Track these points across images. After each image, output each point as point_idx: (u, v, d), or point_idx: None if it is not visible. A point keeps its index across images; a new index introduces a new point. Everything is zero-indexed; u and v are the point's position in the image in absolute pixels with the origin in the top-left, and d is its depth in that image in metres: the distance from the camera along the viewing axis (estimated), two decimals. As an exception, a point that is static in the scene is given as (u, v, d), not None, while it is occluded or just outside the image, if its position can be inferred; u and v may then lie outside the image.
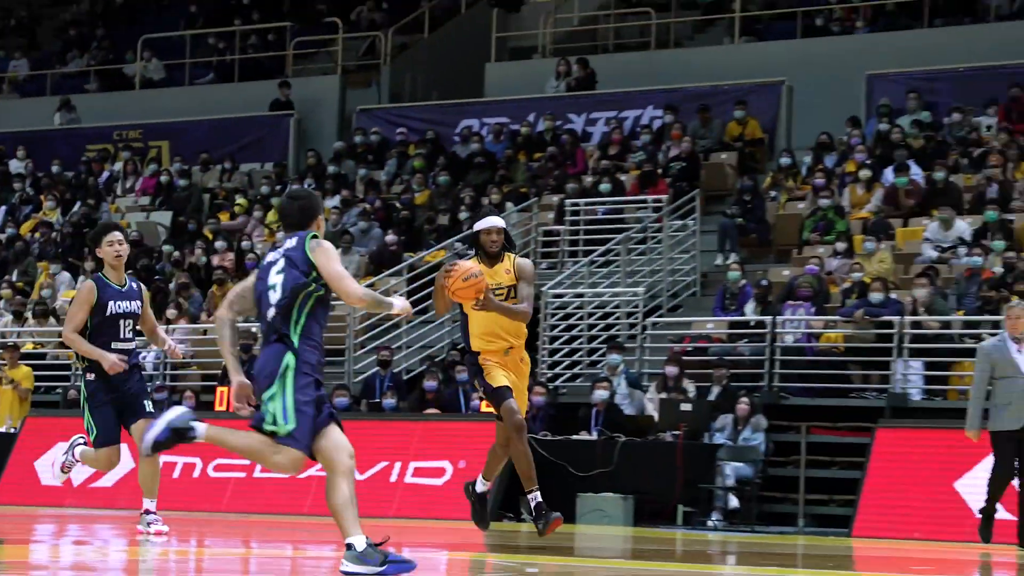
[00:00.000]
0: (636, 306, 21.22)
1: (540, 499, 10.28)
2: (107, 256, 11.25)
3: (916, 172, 22.11)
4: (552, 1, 30.00)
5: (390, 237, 23.85)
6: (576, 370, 20.94)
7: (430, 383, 19.79)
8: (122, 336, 11.23)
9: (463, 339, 10.57)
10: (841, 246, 20.78)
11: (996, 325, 17.09)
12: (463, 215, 23.93)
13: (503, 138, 26.78)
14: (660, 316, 21.41)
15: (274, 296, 7.74)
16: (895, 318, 18.83)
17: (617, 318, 21.37)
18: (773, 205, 23.16)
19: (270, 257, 7.90)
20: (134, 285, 11.40)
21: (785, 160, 23.69)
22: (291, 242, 7.84)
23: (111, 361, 11.05)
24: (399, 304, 7.95)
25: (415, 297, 21.41)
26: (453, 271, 9.77)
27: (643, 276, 22.23)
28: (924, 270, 19.69)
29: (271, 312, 7.74)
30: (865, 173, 22.32)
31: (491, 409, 10.38)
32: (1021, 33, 25.03)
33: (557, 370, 20.93)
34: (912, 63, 24.81)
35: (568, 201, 23.60)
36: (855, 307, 19.22)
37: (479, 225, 10.39)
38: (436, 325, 21.87)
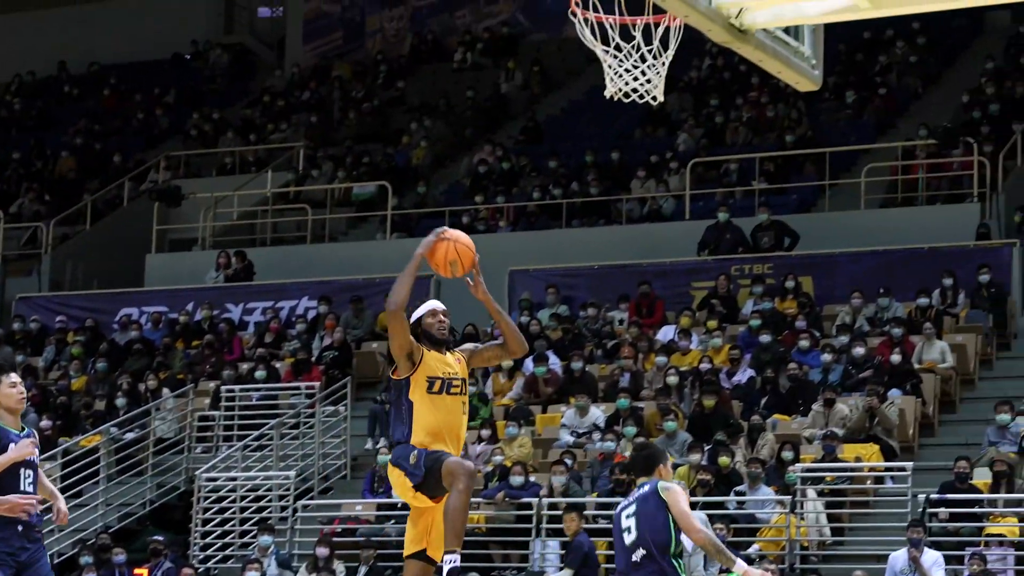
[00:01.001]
0: (288, 489, 21.84)
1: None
2: (8, 399, 9.34)
3: (554, 362, 23.37)
4: (212, 196, 30.79)
5: (45, 423, 24.10)
6: (228, 552, 21.38)
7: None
8: (22, 488, 9.23)
9: (393, 430, 8.86)
10: (485, 432, 21.77)
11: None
12: (120, 400, 24.34)
13: (162, 326, 27.32)
14: (311, 498, 22.05)
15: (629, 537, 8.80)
16: (534, 499, 19.87)
17: (269, 500, 21.93)
18: (421, 392, 24.06)
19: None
20: (32, 431, 9.61)
21: (433, 350, 24.71)
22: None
23: (11, 503, 9.12)
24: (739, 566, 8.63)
25: (69, 481, 21.67)
26: (448, 232, 8.65)
27: (295, 460, 22.88)
28: (561, 455, 20.90)
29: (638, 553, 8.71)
30: (507, 363, 23.53)
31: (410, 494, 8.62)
32: (650, 235, 26.79)
33: (209, 551, 21.37)
34: (551, 260, 26.25)
35: (224, 387, 24.20)
36: (497, 489, 20.21)
37: (423, 308, 8.88)
38: (89, 508, 22.10)
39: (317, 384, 23.80)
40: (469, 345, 9.05)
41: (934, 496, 18.21)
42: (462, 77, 34.79)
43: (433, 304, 8.90)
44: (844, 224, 25.76)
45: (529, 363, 23.29)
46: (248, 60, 39.74)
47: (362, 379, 24.92)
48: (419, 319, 8.78)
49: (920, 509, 18.20)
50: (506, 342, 8.88)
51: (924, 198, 26.60)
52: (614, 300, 24.85)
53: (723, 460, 19.71)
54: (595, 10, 8.62)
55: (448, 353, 8.72)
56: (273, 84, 37.37)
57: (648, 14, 8.46)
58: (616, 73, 8.77)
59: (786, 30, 8.64)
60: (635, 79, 8.80)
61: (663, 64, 8.71)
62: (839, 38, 29.78)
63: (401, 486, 8.56)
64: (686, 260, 25.63)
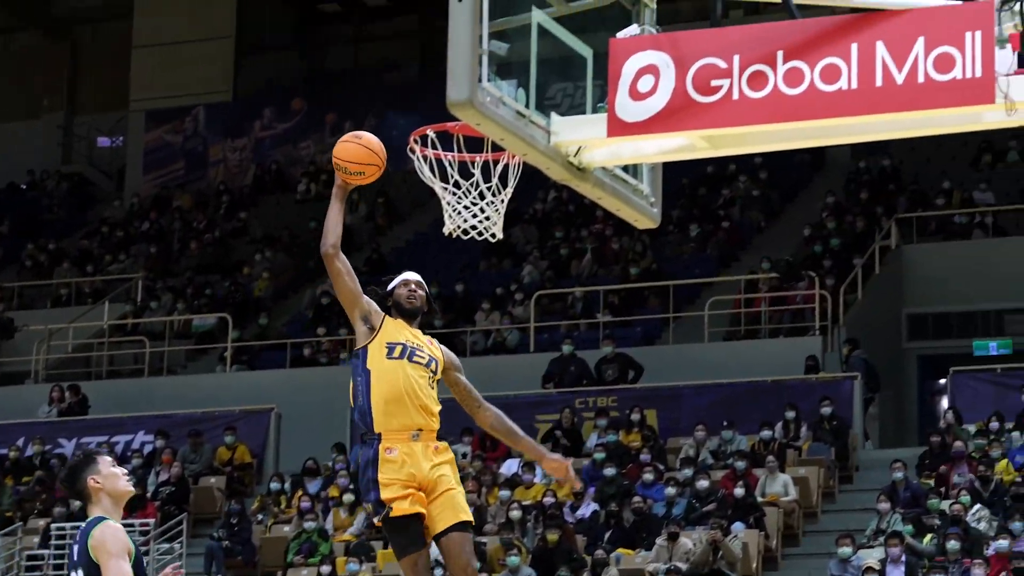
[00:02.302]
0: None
1: None
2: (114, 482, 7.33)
3: (397, 496, 23.08)
4: (47, 328, 30.21)
5: None
6: None
7: None
8: None
9: (359, 418, 8.08)
10: (325, 569, 21.41)
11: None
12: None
13: (-9, 463, 26.60)
14: (145, 640, 21.43)
15: None
16: (374, 637, 19.58)
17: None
18: (260, 528, 23.73)
19: None
20: None
21: (274, 485, 24.40)
22: None
23: None
24: None
25: None
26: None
27: (130, 600, 22.25)
28: (403, 591, 20.52)
29: None
30: (348, 497, 23.19)
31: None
32: (494, 368, 26.52)
33: None
34: (394, 394, 26.03)
35: (54, 525, 23.53)
36: (336, 627, 19.87)
37: (396, 279, 8.37)
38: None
39: (152, 520, 23.27)
40: (452, 354, 8.34)
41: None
42: (305, 208, 34.62)
43: (407, 275, 8.33)
44: (688, 357, 25.87)
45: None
46: (86, 190, 39.28)
47: (199, 515, 24.43)
48: (391, 290, 8.24)
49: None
50: (480, 409, 8.28)
51: (767, 331, 26.82)
52: (457, 433, 24.60)
53: (568, 598, 19.52)
54: (434, 147, 8.52)
55: (420, 332, 8.14)
56: (112, 214, 36.93)
57: (487, 151, 8.39)
58: (455, 210, 8.66)
59: (625, 168, 8.59)
60: (474, 216, 8.71)
61: (502, 201, 8.63)
62: (682, 172, 30.10)
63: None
64: (530, 393, 25.54)
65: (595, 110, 8.29)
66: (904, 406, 27.79)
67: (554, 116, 8.14)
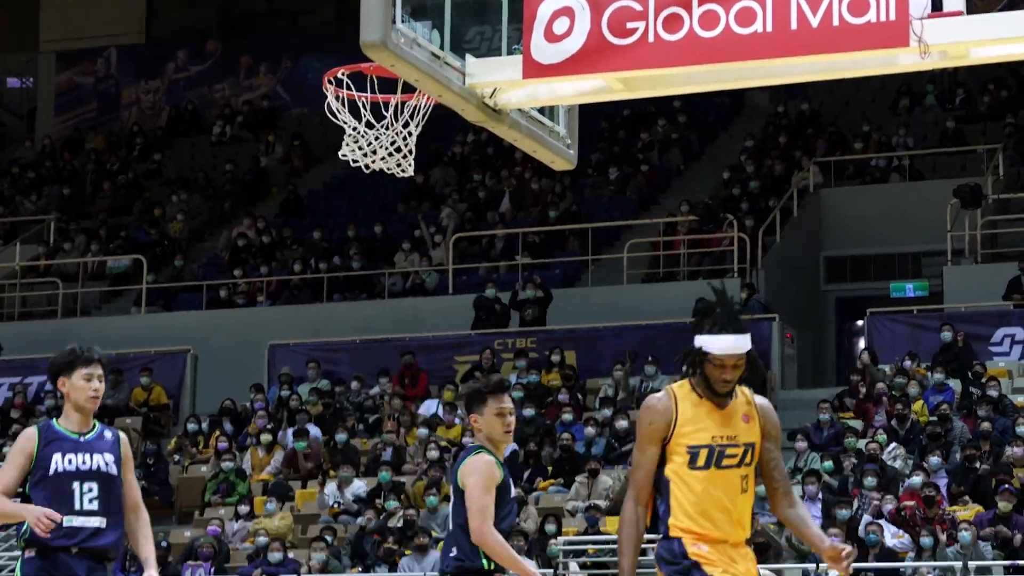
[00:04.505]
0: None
1: None
2: (79, 394, 7.72)
3: (316, 435, 23.08)
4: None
5: None
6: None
7: None
8: (76, 506, 7.52)
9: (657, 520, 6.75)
10: (243, 508, 21.39)
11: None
12: None
13: None
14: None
15: None
16: (292, 576, 19.59)
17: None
18: (177, 468, 23.64)
19: None
20: (110, 433, 7.83)
21: (191, 426, 24.28)
22: None
23: (35, 515, 7.33)
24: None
25: None
26: None
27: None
28: (321, 531, 20.55)
29: None
30: (266, 437, 23.13)
31: None
32: (413, 309, 26.71)
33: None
34: (312, 335, 25.99)
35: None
36: (254, 567, 19.82)
37: (714, 344, 6.72)
38: None
39: (68, 462, 23.05)
40: (775, 419, 7.13)
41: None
42: (221, 150, 34.35)
43: (732, 343, 6.85)
44: (607, 299, 25.93)
45: (289, 437, 22.93)
46: (-4, 131, 38.80)
47: (114, 456, 24.19)
48: (704, 354, 6.84)
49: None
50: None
51: (685, 273, 26.89)
52: (376, 374, 24.61)
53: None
54: (348, 88, 8.48)
55: (732, 402, 6.88)
56: (22, 155, 36.45)
57: (400, 92, 8.35)
58: (364, 152, 8.62)
59: (541, 110, 8.57)
60: (390, 154, 8.68)
61: (411, 135, 8.58)
62: (601, 115, 30.07)
63: None
64: (450, 334, 25.56)
65: (511, 52, 8.25)
66: (822, 347, 28.00)
67: (469, 58, 8.10)
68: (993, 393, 21.26)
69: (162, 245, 30.49)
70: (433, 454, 21.61)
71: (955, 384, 21.99)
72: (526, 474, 21.53)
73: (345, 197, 31.10)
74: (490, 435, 7.43)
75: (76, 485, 7.47)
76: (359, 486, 21.59)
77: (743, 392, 6.85)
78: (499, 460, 7.40)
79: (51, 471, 7.47)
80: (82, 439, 7.61)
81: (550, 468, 21.64)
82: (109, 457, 7.61)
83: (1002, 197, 26.92)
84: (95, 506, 7.49)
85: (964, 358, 22.49)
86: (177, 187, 32.78)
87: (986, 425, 20.38)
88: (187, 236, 31.26)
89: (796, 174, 28.45)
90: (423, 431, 22.48)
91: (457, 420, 22.91)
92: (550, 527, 19.61)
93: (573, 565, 19.05)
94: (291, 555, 20.03)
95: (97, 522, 7.49)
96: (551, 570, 18.96)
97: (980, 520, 18.53)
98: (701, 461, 6.69)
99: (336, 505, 21.40)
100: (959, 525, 18.16)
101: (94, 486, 7.50)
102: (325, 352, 25.69)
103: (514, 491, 7.71)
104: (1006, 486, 18.60)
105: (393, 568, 19.78)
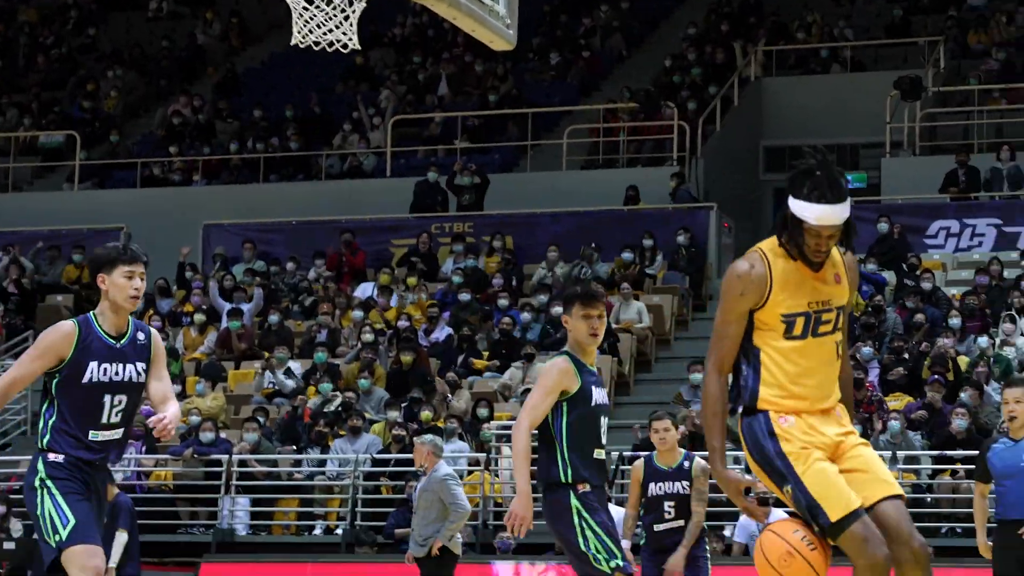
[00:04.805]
0: (-35, 447, 21.00)
1: None
2: (119, 292, 7.32)
3: (249, 316, 22.96)
4: None
5: None
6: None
7: None
8: (104, 420, 7.33)
9: (741, 392, 6.30)
10: (175, 388, 21.26)
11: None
12: None
13: None
14: (-10, 456, 21.28)
15: None
16: (223, 456, 19.51)
17: (-55, 459, 21.06)
18: (108, 346, 23.43)
19: None
20: (145, 332, 7.51)
21: (122, 304, 24.03)
22: None
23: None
24: None
25: None
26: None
27: (-31, 417, 22.04)
28: (254, 412, 20.49)
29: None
30: (200, 317, 22.99)
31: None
32: (350, 191, 26.50)
33: None
34: (248, 215, 25.78)
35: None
36: (185, 446, 19.78)
37: (812, 213, 6.29)
38: None
39: (-1, 336, 22.96)
40: None
41: (627, 454, 18.29)
42: (157, 26, 33.84)
43: (828, 212, 6.28)
44: (546, 184, 25.82)
45: (224, 317, 22.80)
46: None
47: (46, 333, 24.01)
48: (799, 221, 6.40)
49: (613, 467, 18.27)
50: None
51: (625, 160, 26.79)
52: (312, 256, 24.47)
53: (425, 415, 19.62)
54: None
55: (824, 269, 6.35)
56: (-47, 27, 35.78)
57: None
58: (306, 21, 8.45)
59: (482, -16, 8.41)
60: (330, 30, 8.54)
61: (354, 12, 8.41)
62: (543, -1, 29.81)
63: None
64: (386, 217, 25.41)
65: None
66: (760, 237, 27.80)
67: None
68: (927, 285, 21.36)
69: (96, 121, 30.07)
70: (367, 337, 21.54)
71: (890, 276, 22.08)
72: (460, 359, 21.50)
73: (283, 76, 30.72)
74: (576, 337, 7.68)
75: (108, 398, 7.26)
76: (295, 368, 21.51)
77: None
78: (580, 366, 7.63)
79: (84, 379, 7.22)
80: (117, 345, 7.32)
81: (486, 353, 21.63)
82: (141, 366, 7.36)
83: (942, 90, 26.88)
84: (119, 419, 7.31)
85: (899, 250, 22.58)
86: (112, 62, 32.29)
87: (919, 316, 20.48)
88: (122, 112, 30.86)
89: (738, 64, 28.28)
90: (358, 314, 22.40)
91: (392, 303, 22.82)
92: (483, 411, 19.62)
93: (506, 449, 19.07)
94: (223, 435, 19.97)
95: (118, 434, 7.34)
96: (483, 454, 19.00)
97: (910, 409, 18.67)
98: (798, 330, 6.18)
99: (271, 386, 21.33)
100: (889, 414, 18.29)
101: (123, 399, 7.30)
102: (261, 233, 25.51)
103: (604, 400, 7.73)
104: (936, 377, 18.73)
105: (325, 450, 19.78)
